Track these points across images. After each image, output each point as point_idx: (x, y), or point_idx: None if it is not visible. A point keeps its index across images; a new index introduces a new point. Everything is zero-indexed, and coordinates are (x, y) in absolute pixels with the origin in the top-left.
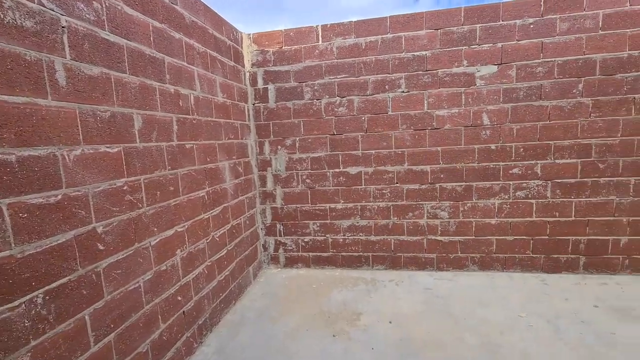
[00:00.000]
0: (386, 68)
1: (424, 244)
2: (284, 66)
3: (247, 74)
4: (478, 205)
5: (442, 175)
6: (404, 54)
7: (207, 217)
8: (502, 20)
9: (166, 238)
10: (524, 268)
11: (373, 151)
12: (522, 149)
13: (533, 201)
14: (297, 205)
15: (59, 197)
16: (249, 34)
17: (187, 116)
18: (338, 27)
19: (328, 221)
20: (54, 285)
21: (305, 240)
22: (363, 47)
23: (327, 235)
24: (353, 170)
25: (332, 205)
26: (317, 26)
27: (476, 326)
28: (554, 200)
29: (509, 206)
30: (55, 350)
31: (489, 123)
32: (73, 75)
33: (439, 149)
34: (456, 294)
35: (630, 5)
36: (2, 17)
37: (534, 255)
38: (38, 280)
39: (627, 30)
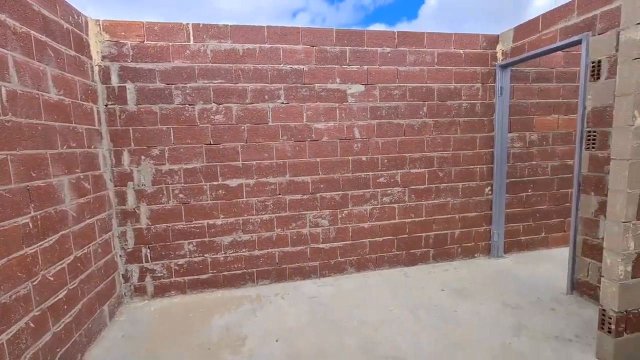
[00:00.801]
0: (265, 77)
1: (308, 253)
2: (147, 64)
3: (97, 69)
4: (353, 211)
5: (322, 185)
6: (282, 65)
7: (32, 251)
8: (367, 46)
9: None
10: (391, 264)
11: (254, 162)
12: (386, 160)
13: (396, 205)
14: (169, 224)
15: None
16: (97, 20)
17: None
18: (212, 29)
19: (207, 239)
20: None
21: (180, 263)
22: (241, 54)
23: (205, 255)
24: (233, 182)
25: (211, 222)
26: (187, 24)
27: (355, 328)
28: (410, 203)
29: (378, 211)
30: None
31: (359, 137)
32: None
33: (318, 160)
34: (337, 299)
35: (454, 48)
36: None
37: (397, 252)
38: None
39: (453, 67)
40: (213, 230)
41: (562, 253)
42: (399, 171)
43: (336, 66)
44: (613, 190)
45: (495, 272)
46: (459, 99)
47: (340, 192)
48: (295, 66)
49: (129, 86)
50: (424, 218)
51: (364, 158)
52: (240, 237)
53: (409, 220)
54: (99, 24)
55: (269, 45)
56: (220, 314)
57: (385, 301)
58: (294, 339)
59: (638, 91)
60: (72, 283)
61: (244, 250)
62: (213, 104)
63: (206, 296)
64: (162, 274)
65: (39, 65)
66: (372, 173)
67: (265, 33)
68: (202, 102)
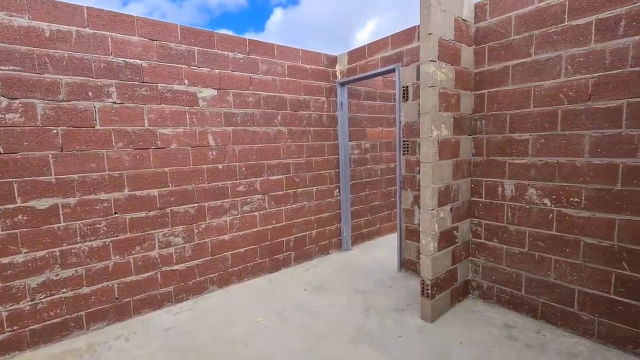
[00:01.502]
0: (88, 70)
1: (159, 279)
2: None
3: None
4: (212, 224)
5: (172, 199)
6: (112, 57)
7: None
8: (217, 49)
9: None
10: (255, 274)
11: (76, 176)
12: (244, 168)
13: (257, 213)
14: None
15: None
16: None
17: None
18: None
19: None
20: None
21: None
22: (47, 36)
23: None
24: (43, 203)
25: (6, 260)
26: None
27: (223, 349)
28: (270, 210)
29: (238, 221)
30: None
31: (214, 144)
32: None
33: (166, 170)
34: (199, 323)
35: (302, 62)
36: None
37: (261, 260)
38: None
39: (302, 80)
40: (10, 271)
41: (393, 239)
42: (257, 179)
43: (184, 66)
44: (423, 186)
45: (346, 264)
46: (309, 110)
47: (196, 205)
48: (131, 60)
49: None
50: (284, 223)
51: (220, 166)
52: (57, 275)
53: (271, 226)
54: None
55: (92, 31)
56: None
57: (252, 312)
58: None
59: (434, 111)
60: None
61: (64, 290)
62: (2, 98)
63: None
64: None
65: None
66: (231, 182)
67: (85, 15)
68: None
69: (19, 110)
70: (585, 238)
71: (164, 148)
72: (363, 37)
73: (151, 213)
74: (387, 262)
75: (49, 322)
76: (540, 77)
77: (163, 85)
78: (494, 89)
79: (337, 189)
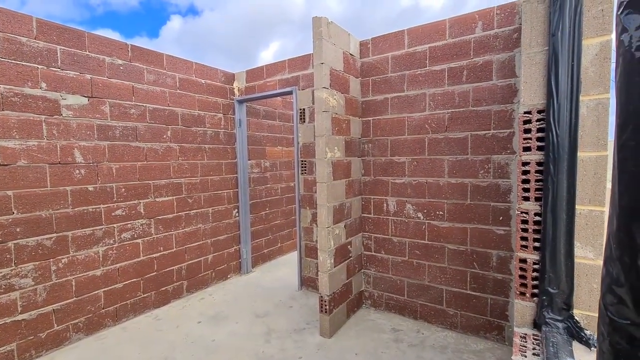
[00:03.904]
0: None
1: None
2: None
3: None
4: (77, 258)
5: (18, 229)
6: None
7: None
8: (89, 52)
9: None
10: (136, 311)
11: None
12: (123, 189)
13: (139, 240)
14: None
15: None
16: None
17: None
18: None
19: None
20: None
21: None
22: None
23: None
24: None
25: None
26: None
27: None
28: (157, 235)
29: (115, 251)
30: None
31: (83, 161)
32: None
33: (10, 193)
34: None
35: (196, 76)
36: None
37: (145, 295)
38: None
39: (196, 94)
40: None
41: (294, 257)
42: (141, 201)
43: (41, 67)
44: (319, 205)
45: (245, 288)
46: (204, 126)
47: (54, 235)
48: None
49: None
50: (174, 249)
51: (91, 188)
52: None
53: (158, 254)
54: None
55: None
56: None
57: None
58: None
59: (327, 134)
60: None
61: None
62: None
63: None
64: None
65: None
66: (105, 205)
67: None
68: None
69: None
70: (449, 245)
71: (6, 165)
72: (267, 55)
73: None
74: (288, 282)
75: None
76: (411, 109)
77: (8, 87)
78: (377, 117)
79: (236, 209)
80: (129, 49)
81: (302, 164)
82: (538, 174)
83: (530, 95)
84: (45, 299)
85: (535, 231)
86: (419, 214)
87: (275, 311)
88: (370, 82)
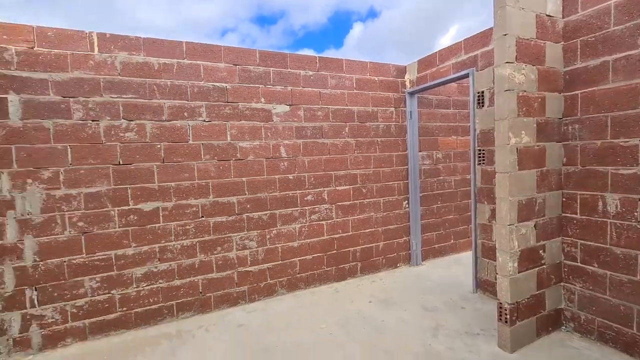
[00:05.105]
0: (184, 94)
1: (235, 278)
2: (37, 73)
3: None
4: (282, 231)
5: (248, 206)
6: (203, 82)
7: None
8: (290, 69)
9: None
10: (321, 281)
11: (173, 183)
12: (313, 179)
13: (324, 222)
14: (64, 259)
15: None
16: None
17: None
18: (122, 40)
19: (114, 273)
20: None
21: (79, 304)
22: (156, 68)
23: (112, 292)
24: (148, 206)
25: (120, 252)
26: (90, 32)
27: (288, 352)
28: (337, 219)
29: (306, 229)
30: None
31: (286, 155)
32: None
33: (244, 179)
34: (268, 324)
35: (370, 75)
36: None
37: (327, 269)
38: None
39: (370, 92)
40: (122, 261)
41: (469, 256)
42: (325, 189)
43: (260, 86)
44: (499, 199)
45: (415, 280)
46: (377, 121)
47: (268, 212)
48: (218, 84)
49: (13, 97)
50: (350, 233)
51: (290, 177)
52: (156, 267)
53: (337, 236)
54: None
55: (189, 61)
56: None
57: (317, 319)
58: None
59: (511, 116)
60: None
61: (161, 281)
62: (123, 120)
63: (114, 340)
64: (53, 320)
65: None
66: (300, 191)
67: (184, 49)
68: (108, 118)
69: (134, 130)
70: None
71: (242, 159)
72: (446, 42)
73: (230, 218)
74: (460, 281)
75: (148, 307)
76: None
77: (243, 104)
78: (590, 89)
79: (406, 201)
80: (317, 61)
81: (479, 154)
82: None
83: None
84: (263, 258)
85: None
86: None
87: (445, 308)
88: (578, 45)
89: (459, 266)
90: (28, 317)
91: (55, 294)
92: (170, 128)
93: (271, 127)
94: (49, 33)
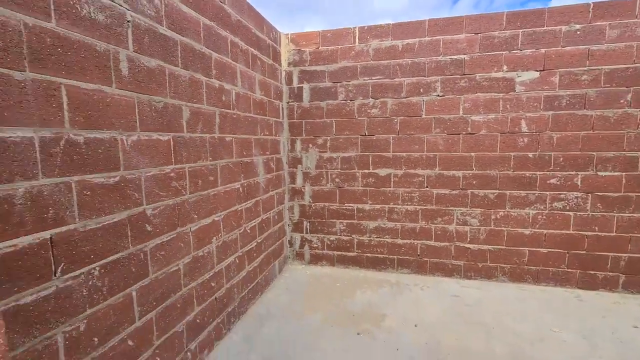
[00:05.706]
0: (422, 71)
1: (452, 251)
2: (319, 66)
3: (284, 73)
4: (511, 214)
5: (474, 182)
6: (441, 57)
7: (241, 208)
8: (547, 26)
9: (204, 226)
10: (557, 282)
11: (404, 154)
12: (561, 159)
13: (571, 213)
14: (325, 204)
15: (117, 178)
16: (287, 34)
17: (228, 111)
18: (376, 29)
19: (355, 221)
20: (108, 260)
21: (331, 239)
22: (400, 50)
23: (352, 235)
24: (383, 171)
25: (360, 206)
26: (354, 28)
27: (506, 336)
28: (593, 213)
29: (544, 217)
30: (106, 321)
31: (527, 130)
32: (134, 66)
33: (472, 154)
34: (485, 304)
35: None
36: (79, 10)
37: (569, 270)
38: (96, 254)
39: None
40: (361, 214)
41: None
42: (579, 173)
43: (504, 52)
44: None
45: None
46: None
47: (497, 191)
48: (455, 56)
49: (305, 86)
50: (614, 234)
51: (530, 155)
52: (384, 224)
53: (591, 233)
54: (288, 37)
55: (429, 38)
56: (362, 291)
57: (547, 319)
58: (434, 330)
59: None
60: (259, 237)
61: (387, 236)
62: (370, 99)
63: (350, 272)
64: (317, 245)
65: (252, 73)
66: (541, 173)
67: (426, 26)
68: (361, 98)
69: (377, 106)
70: None
71: (473, 134)
72: None
73: (454, 192)
74: None
75: (376, 255)
76: None
77: (480, 75)
78: None
79: None
80: (590, 9)
81: None
82: None
83: None
84: (485, 239)
85: None
86: None
87: None
88: None
89: None
90: (303, 239)
91: (319, 228)
92: (406, 104)
93: (512, 99)
94: (328, 34)
